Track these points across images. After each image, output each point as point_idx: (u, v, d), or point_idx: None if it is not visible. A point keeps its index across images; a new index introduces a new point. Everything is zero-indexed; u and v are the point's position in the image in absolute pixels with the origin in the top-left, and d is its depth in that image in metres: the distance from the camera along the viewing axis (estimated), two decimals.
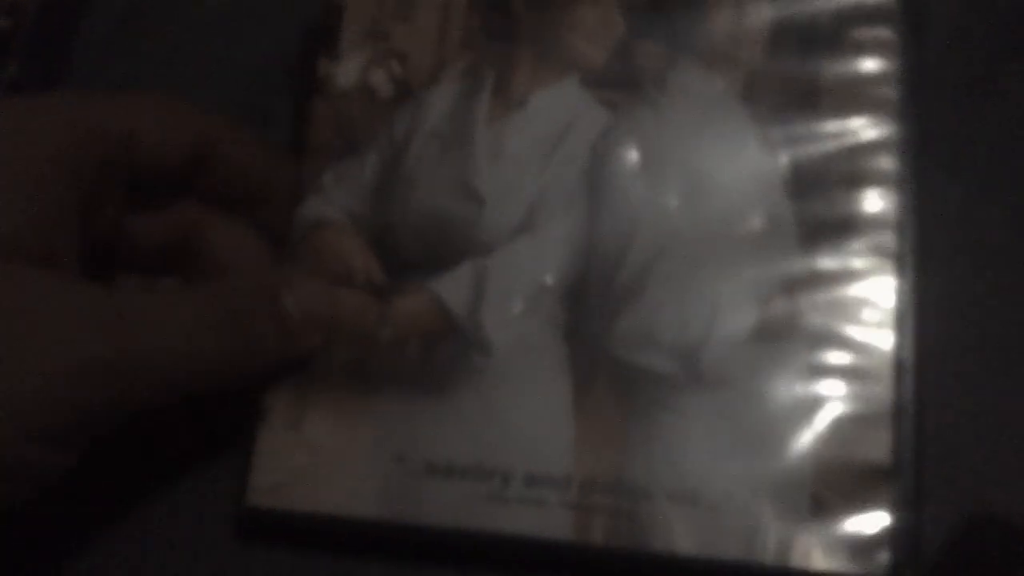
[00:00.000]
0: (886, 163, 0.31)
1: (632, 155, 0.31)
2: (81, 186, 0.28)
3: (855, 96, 0.32)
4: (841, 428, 0.29)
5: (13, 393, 0.25)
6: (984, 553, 0.29)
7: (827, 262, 0.30)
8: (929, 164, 0.31)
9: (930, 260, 0.31)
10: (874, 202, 0.30)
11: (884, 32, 0.32)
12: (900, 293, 0.30)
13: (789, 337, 0.30)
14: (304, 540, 0.30)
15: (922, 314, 0.30)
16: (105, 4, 0.37)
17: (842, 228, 0.30)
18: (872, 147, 0.31)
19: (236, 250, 0.30)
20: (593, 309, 0.30)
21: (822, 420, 0.29)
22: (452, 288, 0.30)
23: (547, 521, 0.29)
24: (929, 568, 0.29)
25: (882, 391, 0.29)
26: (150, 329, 0.27)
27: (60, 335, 0.26)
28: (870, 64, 0.32)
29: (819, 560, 0.28)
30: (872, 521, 0.28)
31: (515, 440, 0.29)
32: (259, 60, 0.35)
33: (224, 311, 0.28)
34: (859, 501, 0.28)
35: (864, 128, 0.31)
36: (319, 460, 0.30)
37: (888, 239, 0.30)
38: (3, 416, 0.25)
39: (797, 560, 0.28)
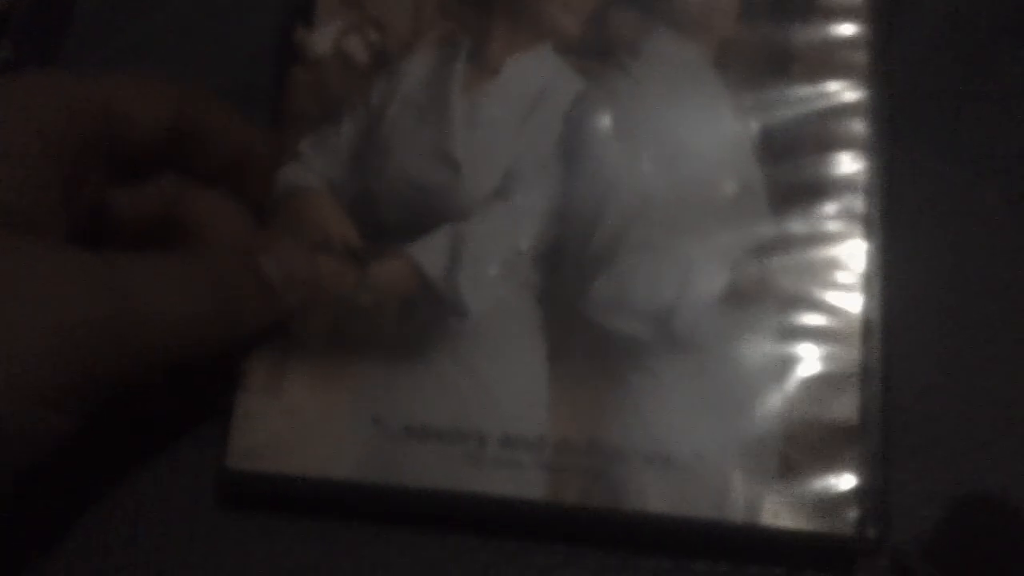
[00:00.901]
0: (857, 127, 0.31)
1: (605, 121, 0.32)
2: (63, 161, 0.28)
3: (826, 61, 0.32)
4: (810, 389, 0.29)
5: (5, 354, 0.25)
6: (978, 532, 0.30)
7: (798, 226, 0.30)
8: (923, 143, 0.32)
9: (899, 225, 0.31)
10: (845, 166, 0.31)
11: None
12: (870, 256, 0.30)
13: (760, 300, 0.30)
14: (283, 503, 0.30)
15: (891, 278, 0.31)
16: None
17: (813, 192, 0.31)
18: (843, 111, 0.31)
19: (218, 220, 0.31)
20: (568, 273, 0.31)
21: (792, 382, 0.29)
22: (428, 252, 0.31)
23: (522, 482, 0.29)
24: (923, 548, 0.29)
25: (851, 353, 0.30)
26: (139, 290, 0.27)
27: (50, 296, 0.26)
28: (841, 29, 0.32)
29: (787, 519, 0.29)
30: (840, 480, 0.29)
31: (491, 403, 0.30)
32: (250, 36, 0.35)
33: (209, 275, 0.29)
34: (827, 461, 0.29)
35: (835, 93, 0.31)
36: (298, 424, 0.30)
37: (858, 203, 0.31)
38: None
39: (766, 519, 0.29)
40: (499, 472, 0.29)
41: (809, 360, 0.30)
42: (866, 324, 0.30)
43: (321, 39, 0.32)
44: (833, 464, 0.29)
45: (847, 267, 0.30)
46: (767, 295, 0.30)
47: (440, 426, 0.30)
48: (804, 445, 0.29)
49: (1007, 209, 0.32)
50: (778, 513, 0.29)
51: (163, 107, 0.30)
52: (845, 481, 0.29)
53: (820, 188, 0.31)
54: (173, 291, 0.28)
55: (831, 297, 0.30)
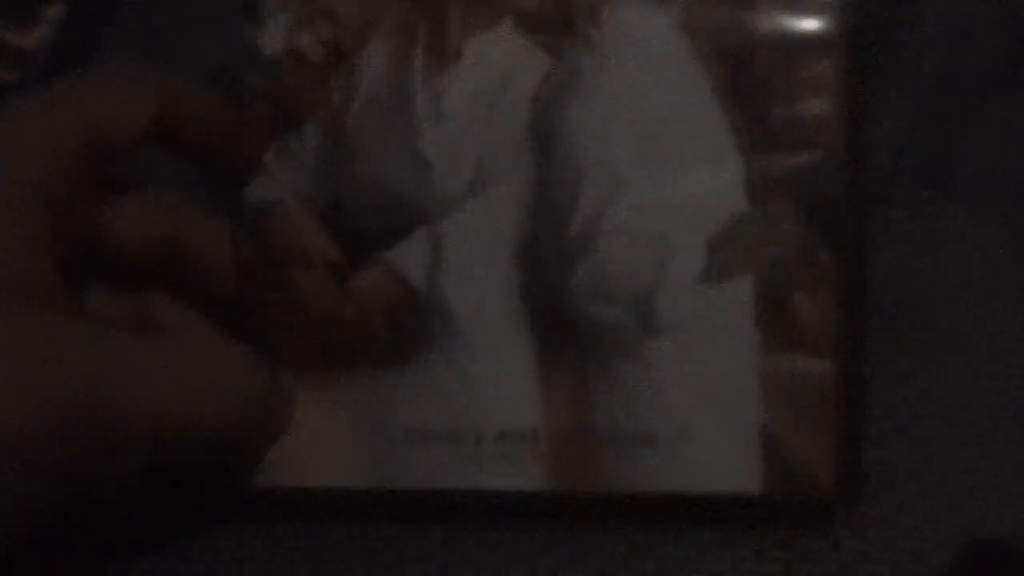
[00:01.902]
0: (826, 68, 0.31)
1: (574, 103, 0.31)
2: (54, 204, 0.27)
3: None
4: (788, 359, 0.31)
5: None
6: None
7: (776, 205, 0.31)
8: (926, 183, 0.32)
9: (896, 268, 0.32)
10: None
11: None
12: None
13: (737, 276, 0.31)
14: (291, 514, 0.32)
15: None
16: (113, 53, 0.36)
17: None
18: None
19: (220, 260, 0.31)
20: (547, 265, 0.31)
21: (769, 353, 0.31)
22: (408, 258, 0.31)
23: (519, 475, 0.31)
24: None
25: (827, 321, 0.31)
26: (129, 376, 0.26)
27: (32, 368, 0.25)
28: None
29: (769, 485, 0.30)
30: (817, 444, 0.31)
31: (484, 402, 0.31)
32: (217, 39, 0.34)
33: (202, 371, 0.28)
34: (805, 427, 0.31)
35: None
36: (300, 438, 0.31)
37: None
38: None
39: (748, 487, 0.30)
40: (497, 468, 0.31)
41: (785, 333, 0.31)
42: (843, 293, 0.31)
43: (271, 37, 0.31)
44: (811, 429, 0.31)
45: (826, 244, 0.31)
46: (744, 270, 0.31)
47: (437, 428, 0.31)
48: (784, 414, 0.31)
49: (1007, 249, 0.32)
50: (761, 480, 0.30)
51: (140, 108, 0.29)
52: (824, 444, 0.30)
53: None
54: (177, 378, 0.27)
55: (801, 274, 0.31)
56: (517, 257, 0.31)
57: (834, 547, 0.31)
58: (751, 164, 0.31)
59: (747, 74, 0.31)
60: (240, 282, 0.31)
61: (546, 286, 0.31)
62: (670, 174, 0.31)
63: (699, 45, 0.31)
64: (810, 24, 0.31)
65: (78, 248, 0.29)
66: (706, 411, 0.31)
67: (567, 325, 0.31)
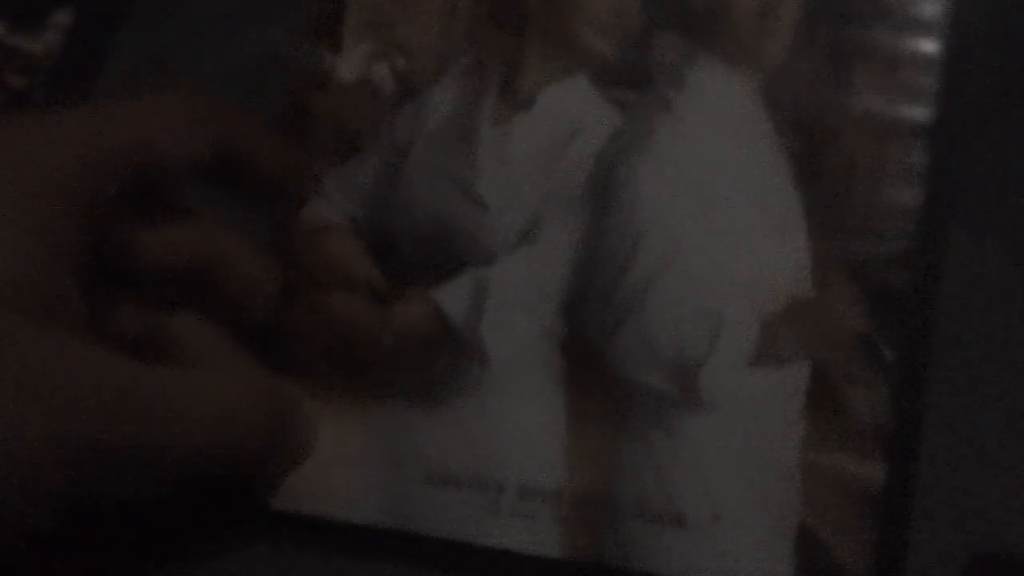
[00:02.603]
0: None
1: (640, 163, 0.30)
2: (83, 218, 0.27)
3: (887, 85, 0.30)
4: (833, 456, 0.29)
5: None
6: None
7: (835, 290, 0.29)
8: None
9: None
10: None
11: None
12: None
13: (789, 363, 0.29)
14: (307, 541, 0.31)
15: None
16: (122, 59, 0.36)
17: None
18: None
19: (255, 284, 0.30)
20: (593, 322, 0.30)
21: (814, 447, 0.29)
22: (452, 298, 0.30)
23: (537, 536, 0.29)
24: None
25: (876, 419, 0.29)
26: (151, 409, 0.26)
27: (53, 405, 0.25)
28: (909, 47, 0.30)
29: None
30: (857, 549, 0.28)
31: (509, 452, 0.30)
32: (258, 54, 0.34)
33: (228, 405, 0.28)
34: (846, 528, 0.29)
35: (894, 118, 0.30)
36: (322, 465, 0.30)
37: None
38: None
39: None
40: (515, 525, 0.30)
41: (833, 427, 0.29)
42: (892, 391, 0.29)
43: (348, 66, 0.31)
44: (851, 531, 0.29)
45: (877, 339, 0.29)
46: (795, 358, 0.29)
47: (460, 473, 0.30)
48: (823, 512, 0.29)
49: (1013, 270, 0.30)
50: None
51: (200, 135, 0.29)
52: (862, 549, 0.28)
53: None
54: (191, 411, 0.27)
55: (858, 366, 0.29)
56: (562, 311, 0.30)
57: None
58: (819, 245, 0.30)
59: (829, 153, 0.30)
60: (279, 302, 0.31)
61: (588, 343, 0.30)
62: (732, 246, 0.30)
63: (781, 117, 0.30)
64: (903, 108, 0.30)
65: (109, 266, 0.29)
66: (741, 499, 0.29)
67: (605, 386, 0.30)
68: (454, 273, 0.30)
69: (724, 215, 0.30)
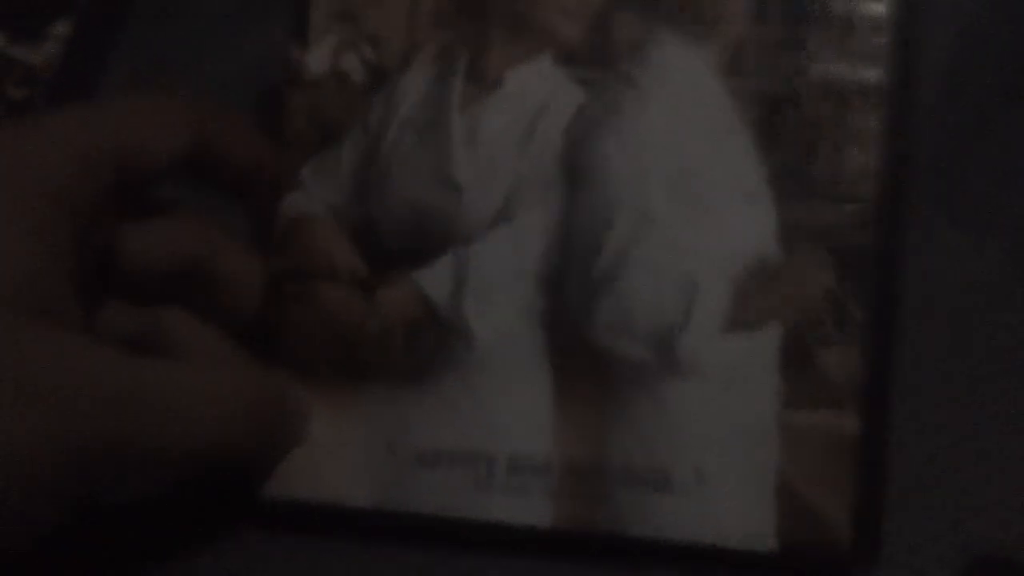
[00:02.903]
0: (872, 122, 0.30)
1: (609, 138, 0.31)
2: (79, 219, 0.28)
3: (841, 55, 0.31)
4: (810, 413, 0.30)
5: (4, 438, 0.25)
6: None
7: (803, 252, 0.30)
8: (927, 205, 0.32)
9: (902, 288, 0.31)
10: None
11: None
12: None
13: (763, 326, 0.30)
14: (301, 527, 0.32)
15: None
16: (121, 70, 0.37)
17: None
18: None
19: (244, 279, 0.31)
20: (571, 296, 0.31)
21: (792, 405, 0.30)
22: (434, 280, 0.31)
23: (529, 508, 0.30)
24: None
25: (851, 373, 0.30)
26: (154, 402, 0.26)
27: (53, 405, 0.25)
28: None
29: (784, 538, 0.29)
30: (837, 502, 0.30)
31: (497, 426, 0.31)
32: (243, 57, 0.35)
33: (230, 396, 0.28)
34: (825, 483, 0.30)
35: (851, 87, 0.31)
36: (313, 451, 0.31)
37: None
38: None
39: (761, 540, 0.30)
40: (507, 498, 0.30)
41: (807, 385, 0.30)
42: (862, 349, 0.30)
43: (317, 58, 0.32)
44: (830, 484, 0.30)
45: (845, 299, 0.30)
46: (768, 322, 0.30)
47: (450, 449, 0.31)
48: (802, 466, 0.30)
49: (1011, 271, 0.32)
50: (775, 532, 0.30)
51: (180, 134, 0.30)
52: (841, 501, 0.29)
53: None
54: (191, 409, 0.27)
55: (829, 326, 0.30)
56: (541, 286, 0.31)
57: None
58: (785, 212, 0.30)
59: (790, 121, 0.31)
60: (265, 293, 0.31)
61: (568, 317, 0.31)
62: (701, 216, 0.31)
63: (742, 86, 0.31)
64: (859, 72, 0.31)
65: (99, 263, 0.29)
66: (722, 457, 0.30)
67: (587, 357, 0.31)
68: (434, 255, 0.31)
69: (692, 186, 0.31)
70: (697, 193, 0.31)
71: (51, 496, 0.26)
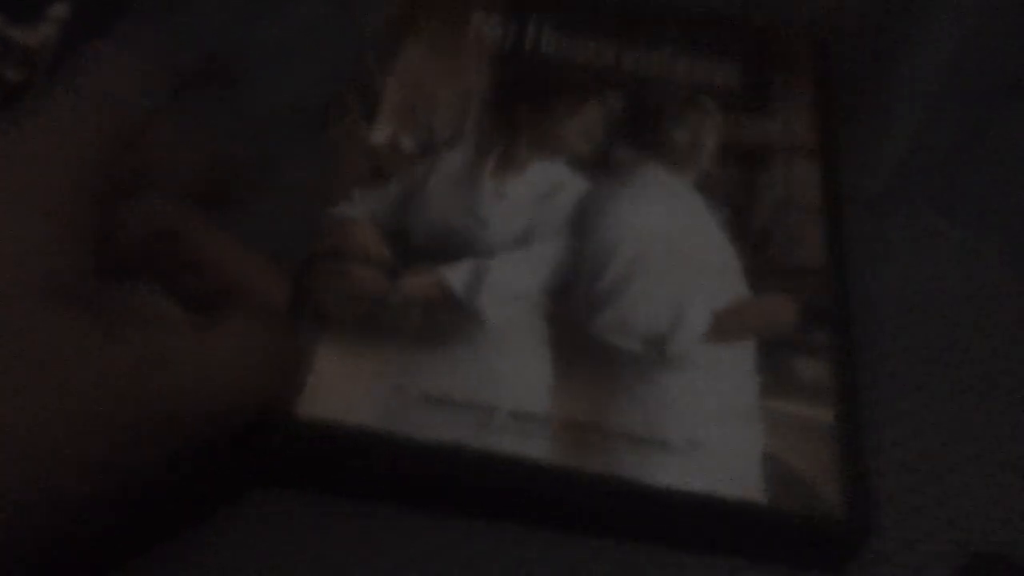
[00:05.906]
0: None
1: (609, 211, 0.38)
2: (99, 199, 0.28)
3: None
4: (788, 406, 0.33)
5: (29, 422, 0.25)
6: None
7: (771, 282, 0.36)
8: (923, 201, 0.35)
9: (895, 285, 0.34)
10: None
11: None
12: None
13: (737, 343, 0.35)
14: (305, 448, 0.32)
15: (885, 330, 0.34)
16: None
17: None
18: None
19: (214, 257, 0.32)
20: (576, 305, 0.35)
21: (770, 397, 0.33)
22: (456, 272, 0.35)
23: (529, 445, 0.31)
24: None
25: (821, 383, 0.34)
26: (182, 366, 0.27)
27: (83, 370, 0.26)
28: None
29: (767, 496, 0.31)
30: (821, 469, 0.31)
31: (501, 384, 0.33)
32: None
33: (254, 346, 0.30)
34: (809, 457, 0.32)
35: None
36: (324, 380, 0.32)
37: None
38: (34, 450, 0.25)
39: (754, 497, 0.31)
40: (507, 436, 0.31)
41: (783, 383, 0.34)
42: (831, 368, 0.34)
43: (380, 134, 0.39)
44: (813, 458, 0.32)
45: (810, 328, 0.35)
46: (742, 340, 0.35)
47: (456, 397, 0.32)
48: (786, 443, 0.32)
49: (1007, 267, 0.34)
50: (766, 494, 0.31)
51: (196, 161, 0.32)
52: (826, 467, 0.31)
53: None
54: (219, 366, 0.28)
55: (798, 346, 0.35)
56: (550, 295, 0.35)
57: None
58: (752, 273, 0.37)
59: (749, 221, 0.38)
60: (302, 268, 0.34)
61: (572, 318, 0.35)
62: (686, 264, 0.36)
63: (712, 199, 0.39)
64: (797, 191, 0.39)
65: (114, 242, 0.29)
66: (714, 430, 0.32)
67: (586, 345, 0.34)
68: (458, 259, 0.36)
69: (676, 241, 0.37)
70: (683, 253, 0.37)
71: (91, 472, 0.26)
